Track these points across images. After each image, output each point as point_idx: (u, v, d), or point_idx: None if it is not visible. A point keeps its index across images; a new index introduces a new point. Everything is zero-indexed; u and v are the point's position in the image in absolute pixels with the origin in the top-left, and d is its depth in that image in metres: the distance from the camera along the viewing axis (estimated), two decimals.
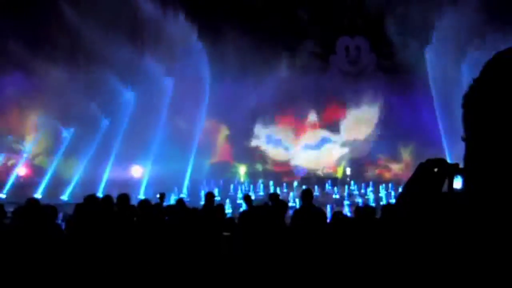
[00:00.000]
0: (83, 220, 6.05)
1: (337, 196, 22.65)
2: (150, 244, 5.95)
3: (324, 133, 27.38)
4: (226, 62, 24.60)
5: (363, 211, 6.99)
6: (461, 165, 0.97)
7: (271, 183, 24.23)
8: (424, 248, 1.06)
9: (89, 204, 6.14)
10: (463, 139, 0.94)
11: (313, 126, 27.50)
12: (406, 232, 1.07)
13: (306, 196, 7.52)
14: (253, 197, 10.21)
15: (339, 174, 26.59)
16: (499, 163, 0.85)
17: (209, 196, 8.62)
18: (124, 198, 6.95)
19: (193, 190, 22.27)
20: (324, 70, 28.43)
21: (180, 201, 8.82)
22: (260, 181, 24.94)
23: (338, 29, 28.91)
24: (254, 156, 27.08)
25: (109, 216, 6.25)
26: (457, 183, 0.94)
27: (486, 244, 0.88)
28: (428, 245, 1.04)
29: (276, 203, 8.03)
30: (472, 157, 0.90)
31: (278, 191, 20.23)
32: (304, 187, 14.27)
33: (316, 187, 22.22)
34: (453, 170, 0.97)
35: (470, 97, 0.93)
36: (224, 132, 26.96)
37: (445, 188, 0.98)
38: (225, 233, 7.31)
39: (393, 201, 16.69)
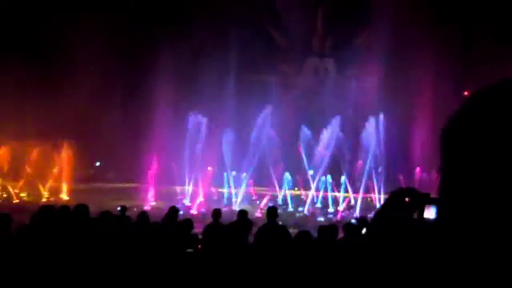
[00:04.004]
0: (38, 232, 5.78)
1: (301, 215, 22.71)
2: (106, 262, 5.73)
3: None
4: None
5: (326, 230, 7.01)
6: (432, 195, 0.97)
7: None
8: (388, 274, 1.04)
9: (45, 215, 5.89)
10: (438, 171, 0.94)
11: None
12: (374, 255, 1.05)
13: (270, 214, 7.53)
14: None
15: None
16: (473, 196, 0.85)
17: (172, 210, 8.40)
18: (81, 209, 6.66)
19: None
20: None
21: (143, 214, 8.41)
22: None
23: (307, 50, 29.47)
24: None
25: (65, 228, 6.00)
26: (429, 213, 0.94)
27: (457, 273, 0.87)
28: (393, 271, 1.02)
29: (242, 220, 7.96)
30: (446, 189, 0.91)
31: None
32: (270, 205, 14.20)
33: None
34: (424, 200, 0.97)
35: (449, 131, 0.93)
36: None
37: (416, 217, 0.98)
38: (188, 250, 7.14)
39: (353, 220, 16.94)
